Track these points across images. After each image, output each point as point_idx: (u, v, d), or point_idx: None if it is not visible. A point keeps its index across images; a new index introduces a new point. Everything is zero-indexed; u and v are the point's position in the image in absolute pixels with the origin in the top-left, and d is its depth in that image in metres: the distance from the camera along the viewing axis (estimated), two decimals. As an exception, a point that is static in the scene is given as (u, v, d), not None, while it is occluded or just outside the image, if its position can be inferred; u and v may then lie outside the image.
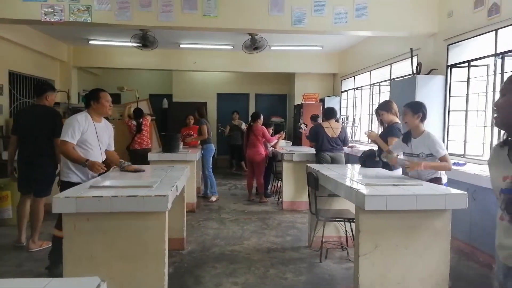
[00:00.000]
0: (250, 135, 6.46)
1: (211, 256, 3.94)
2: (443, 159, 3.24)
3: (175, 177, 3.30)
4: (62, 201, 2.49)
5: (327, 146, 5.36)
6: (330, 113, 5.54)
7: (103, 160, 3.43)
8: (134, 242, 2.59)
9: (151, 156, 5.56)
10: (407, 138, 3.49)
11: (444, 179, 3.41)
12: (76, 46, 9.27)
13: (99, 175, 3.30)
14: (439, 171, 3.35)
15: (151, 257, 2.62)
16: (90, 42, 8.68)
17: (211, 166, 6.54)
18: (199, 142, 6.65)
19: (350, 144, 5.83)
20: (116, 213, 2.54)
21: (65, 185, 3.15)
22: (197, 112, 6.65)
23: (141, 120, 6.71)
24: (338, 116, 6.73)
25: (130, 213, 2.56)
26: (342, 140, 5.44)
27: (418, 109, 3.35)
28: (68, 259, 2.54)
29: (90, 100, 3.40)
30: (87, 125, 3.30)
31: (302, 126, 7.87)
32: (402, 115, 3.44)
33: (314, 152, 5.85)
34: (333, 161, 5.35)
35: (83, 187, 2.81)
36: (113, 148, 3.68)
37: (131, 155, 6.56)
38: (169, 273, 3.06)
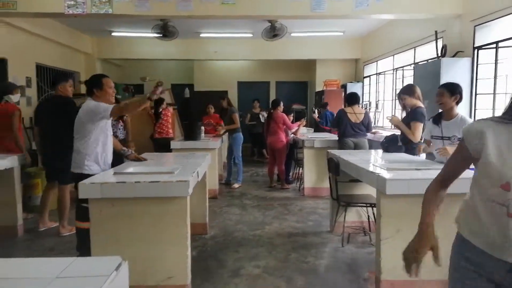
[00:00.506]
0: (271, 123, 6.45)
1: (233, 240, 4.00)
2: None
3: (196, 164, 3.35)
4: (88, 187, 2.58)
5: (350, 132, 5.29)
6: (353, 99, 5.45)
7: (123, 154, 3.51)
8: (158, 226, 2.67)
9: (173, 144, 5.66)
10: (437, 120, 3.34)
11: None
12: (99, 38, 9.46)
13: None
14: None
15: (174, 240, 2.69)
16: (113, 34, 8.84)
17: (241, 155, 6.59)
18: (222, 131, 6.64)
19: (373, 130, 5.74)
20: (140, 198, 2.62)
21: (83, 178, 2.90)
22: (225, 100, 6.66)
23: (160, 109, 6.76)
24: (361, 101, 6.62)
25: (153, 198, 2.63)
26: (366, 125, 5.36)
27: (455, 91, 3.19)
28: (95, 242, 2.65)
29: (93, 87, 3.18)
30: None
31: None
32: (437, 96, 3.26)
33: (336, 138, 5.81)
34: (356, 147, 5.28)
35: (108, 174, 2.90)
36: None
37: (154, 143, 6.69)
38: (192, 257, 3.13)
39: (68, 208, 4.23)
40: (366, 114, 5.49)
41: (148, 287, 2.69)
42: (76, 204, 3.19)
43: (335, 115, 7.92)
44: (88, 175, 2.97)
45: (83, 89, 9.15)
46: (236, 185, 6.56)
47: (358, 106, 5.48)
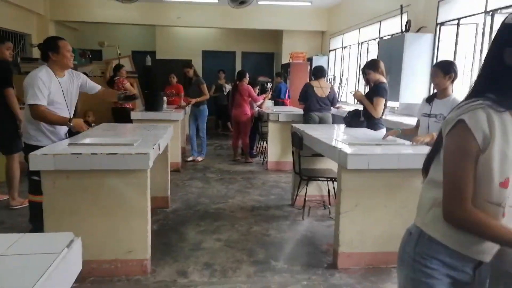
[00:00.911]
0: (236, 95, 6.34)
1: (196, 214, 3.98)
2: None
3: (158, 136, 3.24)
4: (39, 158, 2.43)
5: (315, 106, 5.29)
6: (319, 72, 5.43)
7: (72, 117, 3.10)
8: (117, 200, 2.58)
9: (134, 115, 5.45)
10: (431, 99, 3.20)
11: None
12: (53, -2, 8.77)
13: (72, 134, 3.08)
14: None
15: (134, 214, 2.62)
16: (68, -7, 8.22)
17: (205, 129, 6.41)
18: (193, 101, 6.14)
19: (337, 105, 5.79)
20: (97, 170, 2.50)
21: (33, 149, 2.74)
22: (192, 70, 6.26)
23: (115, 78, 6.33)
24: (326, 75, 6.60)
25: (111, 171, 2.53)
26: (331, 100, 5.39)
27: (449, 69, 3.02)
28: (48, 216, 2.53)
29: (48, 50, 2.89)
30: (50, 81, 2.86)
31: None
32: (431, 77, 3.13)
33: (301, 112, 5.82)
34: (321, 121, 5.32)
35: (62, 144, 2.74)
36: (98, 87, 3.33)
37: (112, 113, 6.37)
38: (153, 230, 3.08)
39: (18, 179, 4.00)
40: (332, 89, 5.51)
41: (106, 261, 2.63)
42: (27, 176, 3.01)
43: (287, 88, 7.81)
44: (36, 147, 2.77)
45: (35, 53, 8.56)
46: (199, 158, 6.46)
47: (324, 80, 5.49)
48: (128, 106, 6.27)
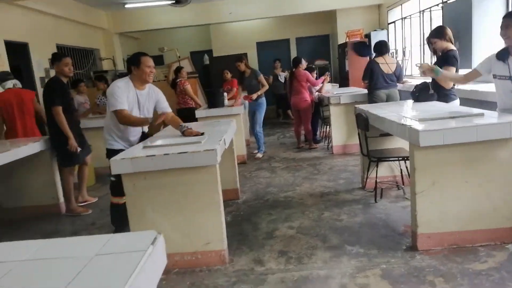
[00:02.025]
0: (294, 82, 6.27)
1: (266, 203, 4.04)
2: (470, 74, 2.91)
3: (222, 131, 3.34)
4: (119, 163, 2.63)
5: (382, 83, 5.05)
6: (383, 47, 5.16)
7: (145, 131, 3.40)
8: (191, 195, 2.72)
9: (198, 113, 5.66)
10: (503, 55, 2.83)
11: None
12: (114, 12, 9.38)
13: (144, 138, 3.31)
14: None
15: (208, 207, 2.74)
16: (126, 6, 8.72)
17: (261, 124, 6.18)
18: (255, 96, 5.99)
19: (403, 80, 5.48)
20: (170, 170, 2.65)
21: (109, 152, 3.18)
22: (242, 63, 6.11)
23: (177, 80, 6.59)
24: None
25: (183, 169, 2.66)
26: (397, 76, 5.13)
27: None
28: (132, 214, 2.74)
29: (131, 65, 3.16)
30: (128, 90, 3.11)
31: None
32: (502, 29, 2.79)
33: (362, 92, 5.61)
34: (388, 98, 5.08)
35: (137, 148, 2.94)
36: (169, 110, 3.44)
37: (178, 113, 6.65)
38: (227, 222, 3.20)
39: (71, 191, 4.25)
40: (398, 64, 5.24)
41: (187, 254, 2.78)
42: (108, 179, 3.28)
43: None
44: (111, 150, 3.14)
45: (105, 65, 9.25)
46: (259, 155, 6.19)
47: (389, 56, 5.22)
48: (192, 105, 6.53)
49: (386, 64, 5.06)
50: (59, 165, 4.30)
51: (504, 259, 2.53)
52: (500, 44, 4.84)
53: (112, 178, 3.09)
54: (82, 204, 4.47)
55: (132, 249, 1.21)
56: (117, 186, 3.03)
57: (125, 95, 3.07)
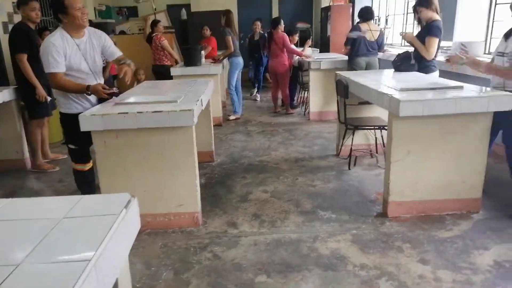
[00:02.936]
0: (272, 44, 6.08)
1: (240, 167, 4.02)
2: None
3: (199, 91, 3.22)
4: (88, 119, 2.49)
5: (363, 50, 4.97)
6: (369, 14, 5.04)
7: (101, 80, 2.89)
8: (165, 156, 2.64)
9: (173, 71, 5.44)
10: (508, 33, 2.81)
11: None
12: (84, -45, 8.67)
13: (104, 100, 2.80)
14: None
15: (182, 169, 2.68)
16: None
17: (234, 83, 6.05)
18: (221, 57, 6.00)
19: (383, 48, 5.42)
20: (144, 129, 2.54)
21: (66, 117, 2.77)
22: (224, 18, 5.89)
23: (153, 34, 6.21)
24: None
25: (158, 129, 2.56)
26: (379, 44, 5.07)
27: None
28: (102, 173, 2.64)
29: (58, 13, 2.59)
30: (65, 45, 2.59)
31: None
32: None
33: (344, 58, 5.54)
34: (368, 66, 5.04)
35: (109, 104, 2.78)
36: (119, 54, 2.95)
37: (152, 72, 6.39)
38: (201, 184, 3.15)
39: (38, 144, 4.08)
40: (381, 32, 5.16)
41: (160, 215, 2.74)
42: (66, 145, 2.97)
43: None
44: (68, 114, 2.75)
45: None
46: (232, 117, 6.09)
47: (373, 22, 5.13)
48: (167, 63, 6.25)
49: (370, 31, 4.98)
50: (26, 117, 4.06)
51: (468, 227, 2.64)
52: (483, 19, 4.84)
53: (71, 146, 2.82)
54: (48, 160, 4.29)
55: (103, 212, 1.15)
56: (78, 152, 2.84)
57: (62, 53, 2.58)
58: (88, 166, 2.94)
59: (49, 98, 3.87)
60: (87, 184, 2.97)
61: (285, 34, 6.03)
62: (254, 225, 2.80)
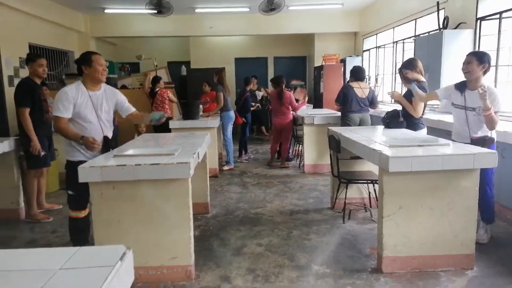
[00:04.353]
0: (278, 102, 6.21)
1: (235, 219, 4.02)
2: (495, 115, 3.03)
3: (196, 144, 3.32)
4: (87, 171, 2.55)
5: (356, 107, 5.18)
6: (360, 73, 5.33)
7: (106, 134, 3.03)
8: (160, 208, 2.67)
9: (172, 124, 5.61)
10: (462, 88, 3.21)
11: (495, 137, 3.18)
12: (93, 16, 9.22)
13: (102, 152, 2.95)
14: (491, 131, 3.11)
15: (177, 221, 2.69)
16: (106, 11, 8.61)
17: (229, 135, 6.30)
18: (213, 114, 6.33)
19: (376, 106, 5.64)
20: (141, 180, 2.59)
21: (69, 163, 2.92)
22: (216, 76, 6.29)
23: (156, 89, 6.58)
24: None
25: (154, 181, 2.61)
26: (370, 101, 5.30)
27: (483, 59, 3.05)
28: (97, 224, 2.65)
29: (82, 65, 2.90)
30: (78, 95, 2.86)
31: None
32: (464, 64, 3.15)
33: (336, 114, 5.74)
34: (361, 122, 5.23)
35: (108, 156, 2.86)
36: (133, 109, 3.23)
37: (152, 124, 6.58)
38: (195, 236, 3.15)
39: (33, 195, 4.11)
40: (371, 89, 5.42)
41: (152, 268, 2.71)
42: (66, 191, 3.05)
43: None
44: (70, 162, 2.90)
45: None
46: (226, 167, 6.27)
47: (363, 82, 5.40)
48: (170, 115, 6.49)
49: (360, 89, 5.22)
50: (25, 167, 4.12)
51: (463, 284, 2.63)
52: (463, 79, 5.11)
53: (70, 192, 2.91)
54: (43, 210, 4.28)
55: (99, 263, 1.17)
56: (76, 199, 2.92)
57: (72, 102, 2.83)
58: (83, 213, 2.98)
59: (43, 153, 3.95)
60: (79, 232, 2.99)
61: (291, 93, 6.32)
62: (248, 280, 2.76)
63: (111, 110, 3.10)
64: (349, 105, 5.21)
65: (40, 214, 4.14)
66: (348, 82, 5.50)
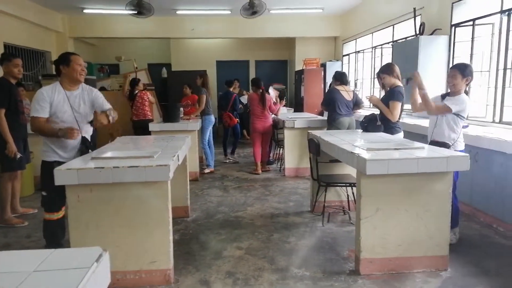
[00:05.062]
0: (260, 105, 6.13)
1: (216, 222, 4.01)
2: (441, 105, 3.27)
3: (176, 147, 3.30)
4: (63, 173, 2.51)
5: (345, 110, 5.19)
6: (345, 77, 5.39)
7: (84, 135, 3.04)
8: (139, 211, 2.64)
9: (152, 127, 5.55)
10: (445, 96, 3.43)
11: (459, 147, 3.31)
12: (71, 16, 9.05)
13: (82, 151, 3.00)
14: (452, 138, 3.29)
15: (156, 225, 2.67)
16: (85, 11, 8.47)
17: (207, 138, 6.32)
18: (198, 112, 6.35)
19: (357, 110, 5.68)
20: (119, 183, 2.56)
21: (44, 164, 2.94)
22: (200, 79, 6.30)
23: (136, 92, 6.53)
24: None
25: (133, 183, 2.58)
26: (354, 103, 5.32)
27: (466, 72, 3.23)
28: (73, 228, 2.60)
29: (60, 64, 2.93)
30: (55, 95, 2.88)
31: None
32: (449, 77, 3.32)
33: (317, 118, 5.80)
34: (350, 126, 5.25)
35: (85, 159, 2.81)
36: (108, 106, 3.13)
37: (132, 126, 6.54)
38: (175, 240, 3.12)
39: (7, 199, 4.01)
40: (354, 92, 5.48)
41: (130, 272, 2.68)
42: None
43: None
44: (45, 162, 2.94)
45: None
46: (206, 170, 6.28)
47: (347, 85, 5.47)
48: (150, 117, 6.44)
49: (346, 92, 5.27)
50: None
51: (438, 285, 2.69)
52: (439, 84, 5.29)
53: (44, 193, 2.92)
54: (17, 215, 4.16)
55: (74, 265, 1.16)
56: (50, 200, 2.91)
57: (48, 102, 2.85)
58: (57, 216, 2.96)
59: (18, 155, 3.85)
60: (53, 234, 2.97)
61: (269, 95, 6.34)
62: (227, 283, 2.76)
63: (89, 110, 3.08)
64: (338, 109, 5.16)
65: (14, 219, 4.02)
66: (332, 85, 5.52)
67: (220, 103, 7.72)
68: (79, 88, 3.03)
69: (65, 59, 2.93)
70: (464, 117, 3.30)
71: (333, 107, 5.20)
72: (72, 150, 3.00)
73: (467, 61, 4.97)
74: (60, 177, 2.51)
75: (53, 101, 2.88)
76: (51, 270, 1.14)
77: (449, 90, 3.43)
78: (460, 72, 3.22)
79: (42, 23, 8.17)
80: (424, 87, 3.38)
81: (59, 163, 2.76)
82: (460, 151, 3.24)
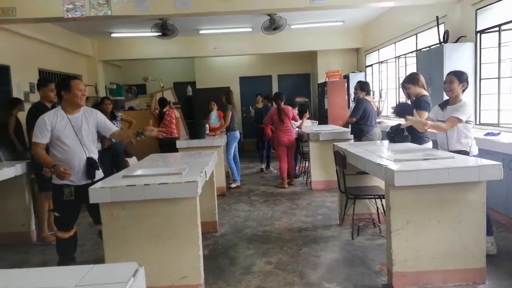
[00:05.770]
0: (282, 118, 6.13)
1: (244, 237, 4.02)
2: (450, 119, 3.26)
3: (204, 163, 3.36)
4: (97, 192, 2.61)
5: (375, 121, 5.19)
6: (369, 87, 5.41)
7: (90, 156, 3.06)
8: (169, 227, 2.70)
9: (179, 144, 5.68)
10: (444, 105, 3.49)
11: (474, 151, 3.34)
12: (100, 40, 9.46)
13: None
14: (468, 144, 3.33)
15: (186, 240, 2.71)
16: (113, 35, 8.84)
17: (232, 154, 6.39)
18: (219, 132, 6.43)
19: (377, 120, 5.66)
20: (149, 200, 2.64)
21: (54, 187, 3.02)
22: (224, 96, 6.47)
23: (164, 110, 6.76)
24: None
25: (163, 200, 2.65)
26: (379, 113, 5.33)
27: (463, 79, 3.34)
28: (108, 244, 2.68)
29: (61, 90, 2.99)
30: (56, 120, 2.95)
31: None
32: (446, 83, 3.40)
33: (340, 130, 5.76)
34: (379, 136, 5.23)
35: (117, 177, 2.92)
36: (115, 129, 3.29)
37: (159, 144, 6.70)
38: (204, 255, 3.16)
39: (46, 217, 4.19)
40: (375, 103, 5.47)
41: (162, 288, 2.72)
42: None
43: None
44: (57, 185, 2.99)
45: (87, 91, 9.19)
46: (233, 185, 6.35)
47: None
48: (177, 135, 6.61)
49: (372, 103, 5.27)
50: (36, 190, 4.19)
51: (475, 299, 2.60)
52: (470, 92, 5.16)
53: (56, 214, 3.03)
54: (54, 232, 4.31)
55: (113, 280, 1.21)
56: (62, 220, 3.04)
57: (49, 129, 2.92)
58: (68, 234, 3.09)
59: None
60: (64, 251, 3.11)
61: (290, 107, 6.38)
62: (257, 298, 2.76)
63: (92, 131, 3.14)
64: (370, 120, 5.13)
65: (51, 237, 4.16)
66: (358, 96, 5.42)
67: (260, 117, 7.65)
68: (81, 110, 3.10)
69: (65, 84, 2.99)
70: (472, 121, 3.36)
71: (367, 119, 5.15)
72: (78, 173, 3.01)
73: (496, 68, 4.86)
74: (95, 195, 2.61)
75: (55, 127, 2.95)
76: (91, 285, 1.19)
77: (446, 98, 3.50)
78: (457, 78, 3.34)
79: (74, 49, 8.58)
80: (425, 123, 3.31)
81: (68, 186, 2.94)
82: (475, 155, 3.27)
